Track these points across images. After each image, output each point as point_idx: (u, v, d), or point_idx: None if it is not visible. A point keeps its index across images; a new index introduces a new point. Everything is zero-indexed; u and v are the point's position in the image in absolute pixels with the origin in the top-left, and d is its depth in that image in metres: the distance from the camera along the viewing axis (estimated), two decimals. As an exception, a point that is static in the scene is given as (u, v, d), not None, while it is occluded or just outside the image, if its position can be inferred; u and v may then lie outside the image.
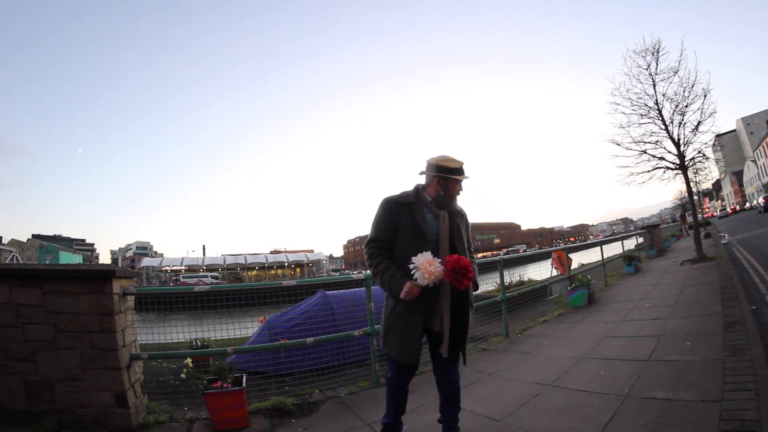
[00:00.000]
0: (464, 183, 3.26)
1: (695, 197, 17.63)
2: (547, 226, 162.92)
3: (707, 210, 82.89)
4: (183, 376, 4.48)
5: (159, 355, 5.17)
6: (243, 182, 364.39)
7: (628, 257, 13.97)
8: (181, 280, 67.01)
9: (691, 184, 15.71)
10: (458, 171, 3.18)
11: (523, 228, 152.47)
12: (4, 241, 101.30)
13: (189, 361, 4.55)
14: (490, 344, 6.62)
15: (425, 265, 2.79)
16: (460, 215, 3.31)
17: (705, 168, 15.88)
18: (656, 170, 14.55)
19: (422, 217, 3.10)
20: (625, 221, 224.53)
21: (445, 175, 3.16)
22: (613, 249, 15.98)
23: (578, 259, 12.66)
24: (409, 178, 3.53)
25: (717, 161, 27.82)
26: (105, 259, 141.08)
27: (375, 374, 5.35)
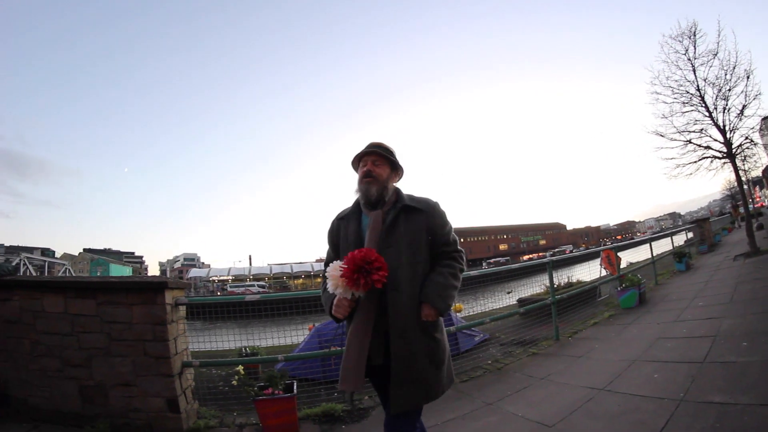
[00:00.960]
0: (376, 161, 2.74)
1: (745, 186, 17.13)
2: (593, 224, 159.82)
3: (758, 200, 79.65)
4: (234, 382, 4.67)
5: (210, 363, 5.33)
6: (288, 191, 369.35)
7: (678, 254, 13.53)
8: (228, 289, 68.38)
9: (740, 172, 15.16)
10: (360, 153, 2.79)
11: (569, 228, 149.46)
12: (57, 254, 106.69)
13: (240, 368, 4.74)
14: (540, 348, 6.58)
15: (330, 271, 2.44)
16: (409, 210, 2.62)
17: (754, 154, 15.32)
18: (703, 160, 14.12)
19: (352, 227, 2.69)
20: (673, 216, 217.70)
21: (355, 166, 2.87)
22: (662, 246, 15.59)
23: (626, 257, 12.50)
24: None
25: (766, 146, 26.92)
26: (154, 270, 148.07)
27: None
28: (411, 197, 2.72)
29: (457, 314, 7.83)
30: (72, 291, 4.78)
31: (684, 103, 14.09)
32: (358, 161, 2.84)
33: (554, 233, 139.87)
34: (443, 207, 2.76)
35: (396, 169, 2.85)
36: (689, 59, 13.76)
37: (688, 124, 14.14)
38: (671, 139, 14.39)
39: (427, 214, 2.64)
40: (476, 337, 7.36)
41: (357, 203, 2.78)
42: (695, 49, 13.65)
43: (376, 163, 2.75)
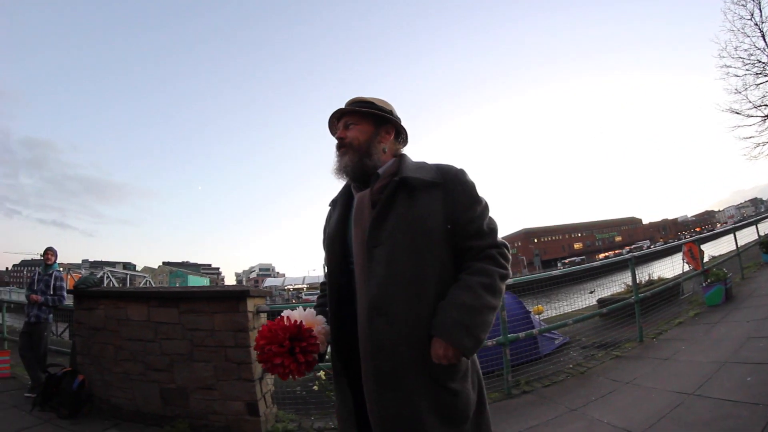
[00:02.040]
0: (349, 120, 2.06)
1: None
2: (670, 217, 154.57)
3: None
4: (315, 387, 4.84)
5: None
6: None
7: (765, 243, 12.63)
8: (303, 297, 70.24)
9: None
10: (328, 121, 2.17)
11: (645, 222, 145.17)
12: (138, 268, 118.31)
13: (322, 374, 4.92)
14: (623, 350, 6.48)
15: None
16: (412, 185, 1.84)
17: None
18: (786, 136, 13.31)
19: (336, 215, 2.07)
20: (755, 202, 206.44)
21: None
22: (747, 236, 14.97)
23: (708, 250, 12.13)
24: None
25: None
26: (230, 281, 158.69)
27: (507, 385, 5.41)
28: (419, 166, 1.95)
29: (538, 316, 7.81)
30: (155, 300, 5.18)
31: (757, 74, 13.50)
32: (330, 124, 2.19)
33: (630, 228, 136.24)
34: (472, 177, 1.95)
35: (384, 125, 2.07)
36: (756, 24, 13.14)
37: (764, 97, 13.45)
38: (748, 116, 13.84)
39: (443, 188, 1.86)
40: (556, 340, 7.31)
41: (347, 183, 2.13)
42: (761, 12, 12.98)
43: (349, 125, 2.05)
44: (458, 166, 1.96)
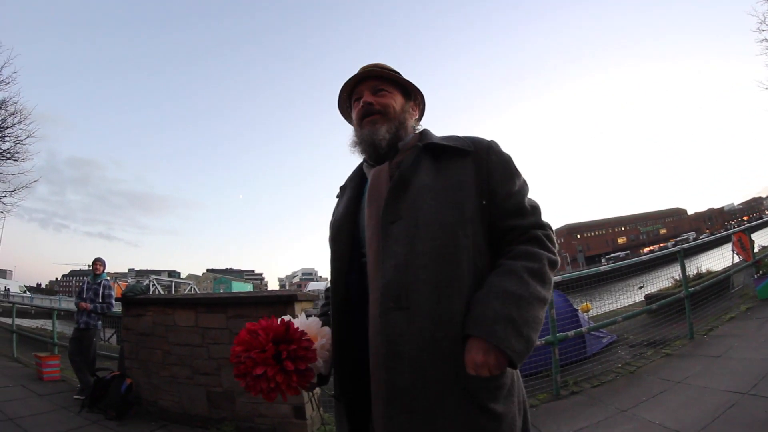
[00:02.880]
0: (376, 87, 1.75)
1: None
2: (715, 206, 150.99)
3: None
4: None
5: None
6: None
7: None
8: None
9: None
10: (349, 83, 1.81)
11: (690, 213, 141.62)
12: (183, 275, 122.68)
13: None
14: (673, 348, 6.34)
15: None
16: (439, 152, 1.58)
17: None
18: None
19: (347, 197, 1.75)
20: None
21: (345, 102, 1.89)
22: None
23: (758, 240, 11.86)
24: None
25: None
26: (273, 285, 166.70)
27: (556, 386, 5.36)
28: (445, 136, 1.66)
29: (585, 315, 7.71)
30: (203, 306, 5.32)
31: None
32: (348, 99, 1.87)
33: (674, 220, 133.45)
34: (507, 151, 1.63)
35: (411, 99, 1.83)
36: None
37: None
38: None
39: (476, 157, 1.55)
40: (604, 339, 7.20)
41: (359, 165, 1.85)
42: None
43: (379, 91, 1.74)
44: (489, 138, 1.63)
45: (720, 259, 10.35)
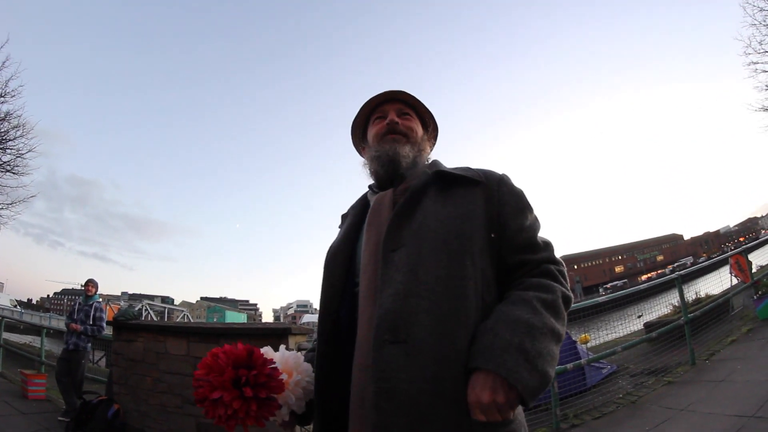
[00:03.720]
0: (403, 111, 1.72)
1: None
2: (711, 229, 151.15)
3: None
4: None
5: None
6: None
7: None
8: None
9: None
10: (372, 102, 1.76)
11: (686, 237, 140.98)
12: (176, 302, 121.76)
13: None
14: (675, 375, 6.26)
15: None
16: (447, 180, 1.48)
17: None
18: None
19: (348, 223, 1.65)
20: None
21: (362, 118, 1.82)
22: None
23: (756, 260, 11.86)
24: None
25: None
26: (267, 316, 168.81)
27: (555, 419, 5.30)
28: (455, 167, 1.57)
29: (583, 346, 7.64)
30: (195, 336, 5.24)
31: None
32: (365, 118, 1.82)
33: (671, 246, 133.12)
34: (519, 185, 1.54)
35: (426, 130, 1.79)
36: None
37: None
38: None
39: (486, 188, 1.45)
40: (604, 370, 7.14)
41: (363, 194, 1.76)
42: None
43: (403, 114, 1.71)
44: (501, 171, 1.55)
45: (718, 283, 10.36)
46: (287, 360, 1.40)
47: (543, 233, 1.49)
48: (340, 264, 1.50)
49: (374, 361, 1.16)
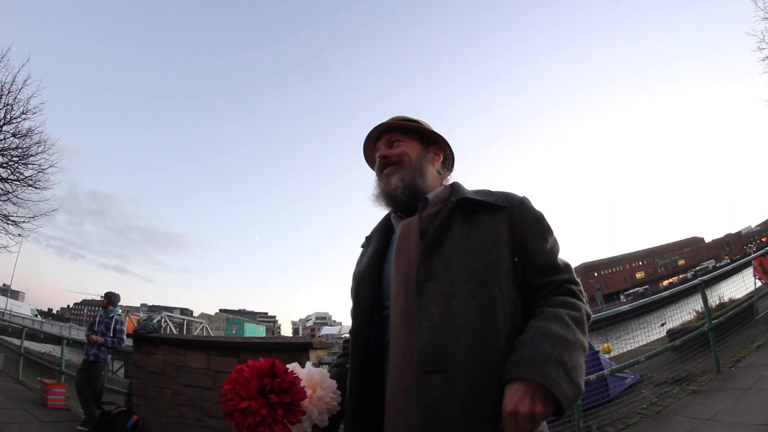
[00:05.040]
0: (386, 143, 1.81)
1: None
2: (732, 230, 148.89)
3: None
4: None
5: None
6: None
7: None
8: None
9: None
10: (367, 138, 1.89)
11: (707, 240, 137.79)
12: (195, 314, 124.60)
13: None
14: (700, 384, 6.15)
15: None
16: (471, 207, 1.55)
17: None
18: None
19: (372, 249, 1.73)
20: None
21: (371, 155, 1.93)
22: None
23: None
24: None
25: None
26: (286, 329, 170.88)
27: (578, 431, 5.24)
28: (476, 190, 1.66)
29: (606, 356, 7.56)
30: (215, 349, 5.27)
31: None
32: (372, 152, 1.91)
33: (692, 250, 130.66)
34: (539, 208, 1.62)
35: (432, 146, 1.82)
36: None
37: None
38: None
39: (508, 213, 1.52)
40: (627, 380, 7.06)
41: (386, 216, 1.84)
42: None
43: (393, 142, 1.79)
44: (521, 194, 1.63)
45: (742, 286, 10.18)
46: (313, 376, 1.46)
47: (563, 253, 1.58)
48: (369, 290, 1.59)
49: (419, 390, 1.26)
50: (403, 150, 1.74)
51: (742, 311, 8.46)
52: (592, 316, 1.49)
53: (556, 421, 5.50)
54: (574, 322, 1.32)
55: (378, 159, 1.78)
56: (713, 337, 6.72)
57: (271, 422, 1.26)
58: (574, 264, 1.52)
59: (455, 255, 1.42)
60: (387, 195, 1.69)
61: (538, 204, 1.62)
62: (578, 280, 1.51)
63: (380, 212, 1.86)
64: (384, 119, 1.82)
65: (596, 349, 7.11)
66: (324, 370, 1.54)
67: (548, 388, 1.15)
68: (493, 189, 1.64)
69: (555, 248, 1.55)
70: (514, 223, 1.50)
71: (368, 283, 1.60)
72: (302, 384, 1.37)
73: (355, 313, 1.60)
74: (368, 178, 1.87)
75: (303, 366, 1.51)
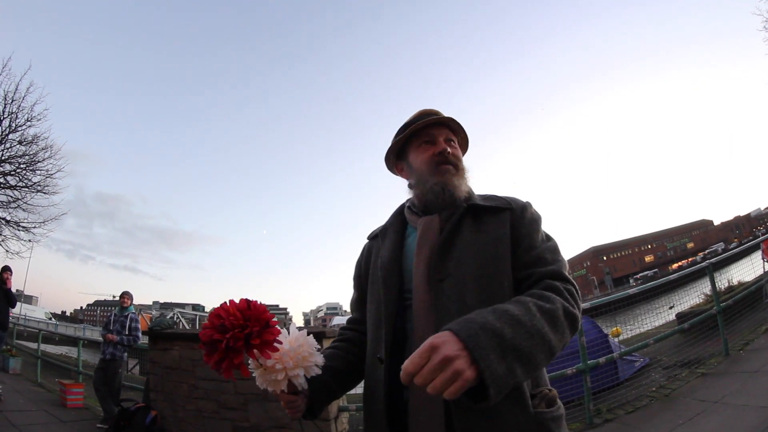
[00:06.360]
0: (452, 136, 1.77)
1: None
2: (741, 213, 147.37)
3: None
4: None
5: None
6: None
7: None
8: None
9: None
10: (418, 124, 1.74)
11: (716, 223, 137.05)
12: (207, 309, 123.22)
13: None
14: (708, 367, 6.19)
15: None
16: (479, 212, 1.62)
17: None
18: None
19: (389, 243, 1.74)
20: None
21: (403, 138, 1.79)
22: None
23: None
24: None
25: None
26: (297, 320, 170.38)
27: (588, 414, 5.29)
28: (485, 195, 1.71)
29: (616, 339, 7.58)
30: None
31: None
32: (404, 141, 1.81)
33: (701, 233, 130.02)
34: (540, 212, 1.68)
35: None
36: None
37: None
38: None
39: (512, 213, 1.59)
40: (636, 363, 7.07)
41: (398, 211, 1.87)
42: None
43: (450, 141, 1.75)
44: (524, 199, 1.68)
45: (751, 269, 10.12)
46: (294, 333, 1.40)
47: (560, 255, 1.58)
48: (396, 280, 1.63)
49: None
50: (459, 155, 1.76)
51: (751, 294, 8.42)
52: (580, 316, 1.39)
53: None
54: (539, 310, 1.24)
55: (440, 150, 1.69)
56: (722, 321, 6.74)
57: (242, 346, 1.19)
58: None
59: (466, 254, 1.50)
60: (448, 192, 1.64)
61: (541, 204, 1.68)
62: (570, 278, 1.47)
63: (388, 202, 1.92)
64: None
65: (606, 332, 7.13)
66: (310, 336, 1.43)
67: (473, 354, 1.02)
68: (499, 194, 1.70)
69: (545, 245, 1.56)
70: (516, 222, 1.57)
71: (394, 273, 1.64)
72: (282, 340, 1.30)
73: (386, 301, 1.59)
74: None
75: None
